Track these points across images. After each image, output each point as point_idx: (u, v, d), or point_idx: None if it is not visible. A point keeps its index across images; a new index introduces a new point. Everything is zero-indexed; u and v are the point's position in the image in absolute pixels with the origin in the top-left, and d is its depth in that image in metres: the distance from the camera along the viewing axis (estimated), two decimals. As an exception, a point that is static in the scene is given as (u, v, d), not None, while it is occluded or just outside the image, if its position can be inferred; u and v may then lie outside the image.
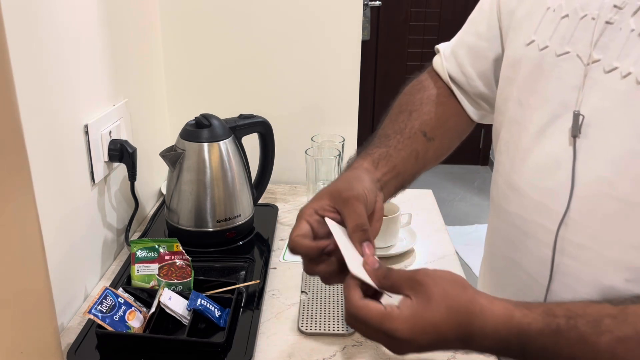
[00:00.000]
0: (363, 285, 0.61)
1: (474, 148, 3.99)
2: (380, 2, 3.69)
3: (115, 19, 1.11)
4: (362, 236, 0.65)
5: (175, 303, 0.87)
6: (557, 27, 0.70)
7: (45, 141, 0.86)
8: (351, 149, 1.40)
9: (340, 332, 0.91)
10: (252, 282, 0.99)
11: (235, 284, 0.96)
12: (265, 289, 1.02)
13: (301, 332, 0.91)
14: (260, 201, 1.28)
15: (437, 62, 0.92)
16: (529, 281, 0.73)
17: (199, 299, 0.88)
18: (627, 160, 0.62)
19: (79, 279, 0.99)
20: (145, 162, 1.26)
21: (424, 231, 1.22)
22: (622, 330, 0.55)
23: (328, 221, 0.67)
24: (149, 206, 1.35)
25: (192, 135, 1.10)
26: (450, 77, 0.89)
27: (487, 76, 0.86)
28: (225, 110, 1.22)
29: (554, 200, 0.68)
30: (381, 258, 0.82)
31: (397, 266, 1.10)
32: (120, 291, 0.89)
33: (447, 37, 0.94)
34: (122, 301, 0.87)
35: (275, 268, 1.10)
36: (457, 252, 1.18)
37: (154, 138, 1.36)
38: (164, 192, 1.24)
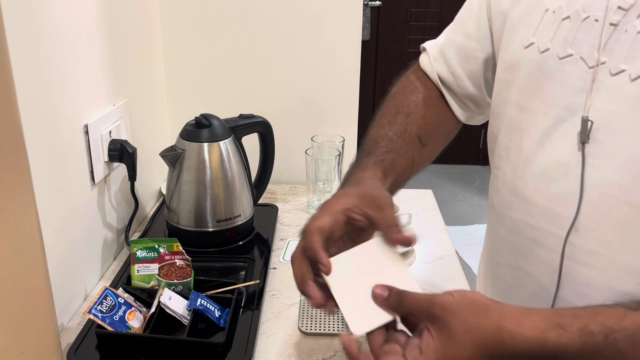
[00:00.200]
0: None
1: (474, 148, 3.99)
2: (380, 2, 3.69)
3: (115, 19, 1.11)
4: (398, 233, 0.64)
5: (175, 303, 0.87)
6: (558, 29, 0.68)
7: (45, 141, 0.86)
8: (351, 149, 1.40)
9: (340, 332, 0.91)
10: (252, 282, 0.99)
11: (235, 284, 0.96)
12: (265, 289, 1.02)
13: (301, 332, 0.91)
14: (260, 201, 1.28)
15: (424, 61, 0.90)
16: (537, 289, 0.72)
17: (199, 299, 0.88)
18: (639, 165, 0.60)
19: (79, 279, 0.99)
20: (145, 162, 1.26)
21: (424, 231, 1.22)
22: None
23: (330, 280, 0.63)
24: (149, 206, 1.35)
25: (192, 135, 1.10)
26: (439, 78, 0.87)
27: (477, 77, 0.85)
28: (225, 110, 1.22)
29: (562, 206, 0.67)
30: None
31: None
32: (120, 291, 0.89)
33: (447, 37, 0.93)
34: (122, 301, 0.87)
35: (275, 268, 1.10)
36: (457, 252, 1.18)
37: (154, 138, 1.36)
38: (164, 192, 1.24)
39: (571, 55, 0.67)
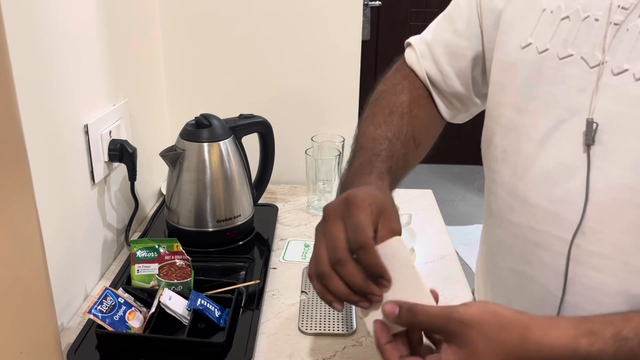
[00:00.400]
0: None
1: (474, 148, 3.97)
2: (380, 2, 3.69)
3: (115, 19, 1.11)
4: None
5: (175, 303, 0.87)
6: (557, 29, 0.68)
7: (45, 141, 0.86)
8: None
9: (340, 332, 0.91)
10: (252, 282, 0.99)
11: (235, 284, 0.96)
12: (265, 289, 1.02)
13: (301, 332, 0.91)
14: (260, 201, 1.28)
15: (411, 58, 0.88)
16: (542, 294, 0.70)
17: (199, 299, 0.88)
18: None
19: (79, 279, 0.99)
20: (145, 162, 1.26)
21: (424, 231, 1.22)
22: None
23: (398, 240, 0.60)
24: (149, 206, 1.35)
25: (192, 135, 1.10)
26: (427, 75, 0.86)
27: (465, 75, 0.84)
28: (225, 110, 1.22)
29: (567, 209, 0.66)
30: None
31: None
32: (120, 291, 0.89)
33: (447, 37, 0.93)
34: (122, 301, 0.87)
35: (275, 268, 1.10)
36: (457, 252, 1.18)
37: (154, 138, 1.36)
38: (164, 192, 1.24)
39: (571, 55, 0.66)
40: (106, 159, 1.06)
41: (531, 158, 0.70)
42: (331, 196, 1.32)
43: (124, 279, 0.97)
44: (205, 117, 1.12)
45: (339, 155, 1.29)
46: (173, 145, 1.12)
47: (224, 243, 1.14)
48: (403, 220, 1.18)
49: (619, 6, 0.62)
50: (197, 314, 0.87)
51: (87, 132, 0.99)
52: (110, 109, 1.09)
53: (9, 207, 0.62)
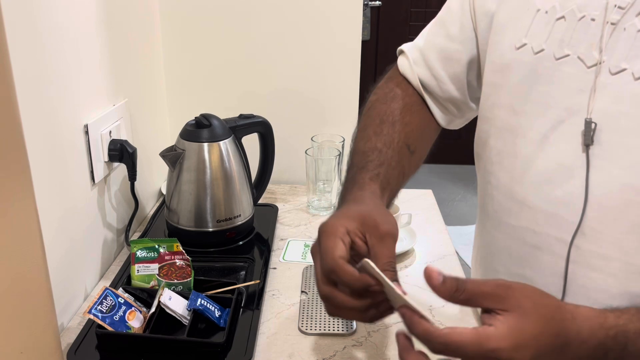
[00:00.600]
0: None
1: (474, 148, 3.99)
2: (380, 2, 3.69)
3: (115, 19, 1.11)
4: (393, 276, 0.59)
5: (175, 303, 0.87)
6: (552, 29, 0.67)
7: (45, 141, 0.86)
8: (351, 149, 1.40)
9: (340, 332, 0.91)
10: (252, 282, 0.99)
11: (235, 284, 0.96)
12: (265, 289, 1.02)
13: (301, 332, 0.91)
14: (260, 201, 1.28)
15: (404, 65, 0.87)
16: None
17: (199, 299, 0.88)
18: None
19: (79, 279, 0.99)
20: (145, 162, 1.26)
21: (424, 231, 1.22)
22: None
23: (368, 261, 0.59)
24: (149, 206, 1.35)
25: (192, 135, 1.10)
26: (421, 82, 0.85)
27: (460, 79, 0.83)
28: (225, 110, 1.22)
29: (567, 210, 0.66)
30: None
31: (397, 266, 1.10)
32: (120, 291, 0.89)
33: (447, 37, 0.93)
34: (122, 301, 0.87)
35: (275, 268, 1.10)
36: (457, 252, 1.18)
37: (154, 138, 1.36)
38: (164, 192, 1.24)
39: (568, 55, 0.66)
40: (106, 159, 1.06)
41: (528, 159, 0.70)
42: (331, 196, 1.32)
43: (124, 279, 0.97)
44: (205, 117, 1.12)
45: (339, 155, 1.29)
46: (173, 145, 1.12)
47: (224, 243, 1.14)
48: (403, 220, 1.19)
49: (615, 5, 0.62)
50: (197, 314, 0.87)
51: (87, 132, 0.99)
52: (110, 109, 1.09)
53: (9, 207, 0.62)
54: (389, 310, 0.60)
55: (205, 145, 1.10)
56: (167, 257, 0.96)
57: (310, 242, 1.19)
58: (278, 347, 0.88)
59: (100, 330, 0.83)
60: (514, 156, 0.72)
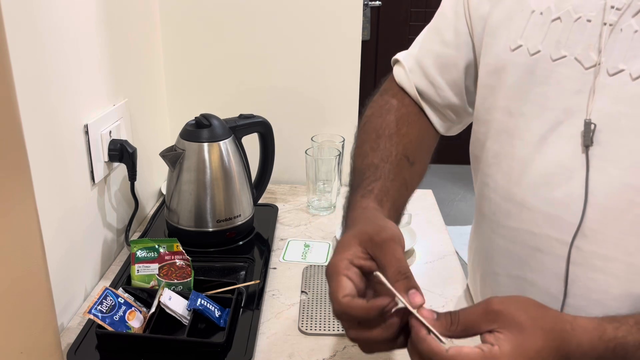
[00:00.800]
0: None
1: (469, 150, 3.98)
2: (380, 2, 3.69)
3: (115, 19, 1.11)
4: (407, 284, 0.56)
5: (175, 303, 0.87)
6: (548, 30, 0.67)
7: (45, 141, 0.86)
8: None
9: (340, 332, 0.91)
10: (252, 282, 0.99)
11: (235, 284, 0.96)
12: (265, 289, 1.02)
13: (301, 332, 0.91)
14: (260, 201, 1.28)
15: (400, 74, 0.86)
16: (543, 298, 0.68)
17: (199, 299, 0.88)
18: None
19: (79, 279, 0.99)
20: (145, 162, 1.26)
21: (424, 231, 1.22)
22: None
23: (377, 274, 0.57)
24: (149, 206, 1.35)
25: (192, 135, 1.10)
26: (418, 90, 0.84)
27: (458, 85, 0.82)
28: (225, 110, 1.22)
29: (566, 211, 0.65)
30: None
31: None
32: (120, 291, 0.89)
33: (447, 37, 0.92)
34: (122, 301, 0.87)
35: (275, 268, 1.10)
36: (457, 252, 1.18)
37: (154, 138, 1.36)
38: (164, 192, 1.24)
39: (565, 56, 0.65)
40: (106, 159, 1.06)
41: (526, 161, 0.69)
42: (331, 196, 1.32)
43: (124, 279, 0.97)
44: (205, 117, 1.12)
45: (339, 155, 1.29)
46: (173, 145, 1.12)
47: (224, 243, 1.14)
48: (403, 220, 1.18)
49: (612, 7, 0.62)
50: (197, 314, 0.87)
51: (87, 132, 0.99)
52: (110, 109, 1.09)
53: (9, 207, 0.62)
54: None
55: (205, 145, 1.10)
56: (167, 257, 0.96)
57: (310, 242, 1.19)
58: (278, 347, 0.88)
59: (100, 330, 0.83)
60: (512, 158, 0.71)
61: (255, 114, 1.21)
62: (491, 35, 0.74)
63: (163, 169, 1.19)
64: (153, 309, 0.85)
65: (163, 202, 1.26)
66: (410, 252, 1.16)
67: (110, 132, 1.07)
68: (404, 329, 0.57)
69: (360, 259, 0.60)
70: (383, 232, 0.60)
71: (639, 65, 0.60)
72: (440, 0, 0.85)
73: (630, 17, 0.61)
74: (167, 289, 0.89)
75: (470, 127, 0.89)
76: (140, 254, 0.96)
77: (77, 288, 0.99)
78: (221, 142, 1.11)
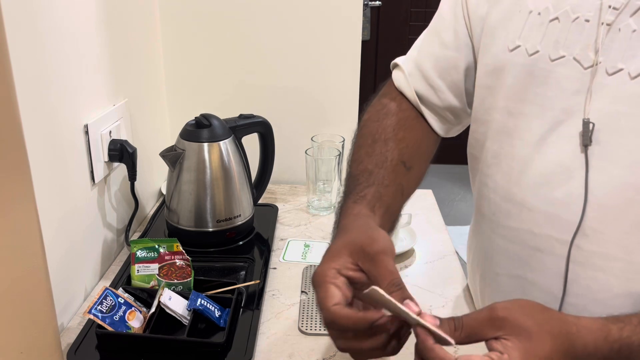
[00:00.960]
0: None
1: (467, 150, 3.98)
2: (380, 2, 3.69)
3: (115, 19, 1.11)
4: (402, 294, 0.56)
5: (175, 303, 0.87)
6: (546, 30, 0.67)
7: (45, 141, 0.86)
8: (351, 149, 1.40)
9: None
10: (252, 282, 0.99)
11: (235, 284, 0.96)
12: (265, 289, 1.02)
13: (301, 332, 0.91)
14: (260, 201, 1.28)
15: (399, 78, 0.85)
16: (544, 297, 0.69)
17: (199, 299, 0.88)
18: None
19: (79, 279, 0.99)
20: (145, 162, 1.26)
21: (424, 231, 1.22)
22: None
23: (375, 288, 0.55)
24: (149, 206, 1.35)
25: (192, 135, 1.10)
26: (417, 94, 0.83)
27: (458, 87, 0.81)
28: (225, 110, 1.22)
29: (566, 210, 0.65)
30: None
31: (397, 266, 1.10)
32: (120, 291, 0.89)
33: (447, 37, 0.92)
34: (122, 301, 0.87)
35: (275, 268, 1.10)
36: (457, 252, 1.18)
37: (154, 138, 1.36)
38: (164, 192, 1.24)
39: (563, 56, 0.66)
40: (106, 159, 1.06)
41: (526, 161, 0.69)
42: (331, 196, 1.32)
43: (124, 279, 0.97)
44: (205, 117, 1.12)
45: (339, 155, 1.29)
46: (173, 145, 1.12)
47: (224, 243, 1.14)
48: (403, 220, 1.19)
49: (609, 6, 0.62)
50: (197, 314, 0.87)
51: (87, 132, 0.99)
52: (110, 109, 1.09)
53: (9, 207, 0.62)
54: (408, 334, 0.58)
55: (205, 145, 1.10)
56: (167, 257, 0.96)
57: (310, 242, 1.19)
58: (278, 347, 0.88)
59: (100, 330, 0.83)
60: (511, 158, 0.71)
61: (255, 114, 1.21)
62: (489, 36, 0.74)
63: (163, 169, 1.19)
64: (153, 309, 0.85)
65: (163, 202, 1.26)
66: (410, 252, 1.16)
67: (110, 132, 1.07)
68: (394, 336, 0.57)
69: (349, 270, 0.60)
70: (375, 244, 0.59)
71: (638, 65, 0.60)
72: (439, 1, 0.85)
73: (628, 17, 0.61)
74: (167, 289, 0.89)
75: (469, 127, 0.89)
76: (140, 254, 0.96)
77: (77, 288, 0.99)
78: (221, 142, 1.11)
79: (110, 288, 0.88)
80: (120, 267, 1.07)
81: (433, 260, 1.14)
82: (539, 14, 0.68)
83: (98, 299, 0.84)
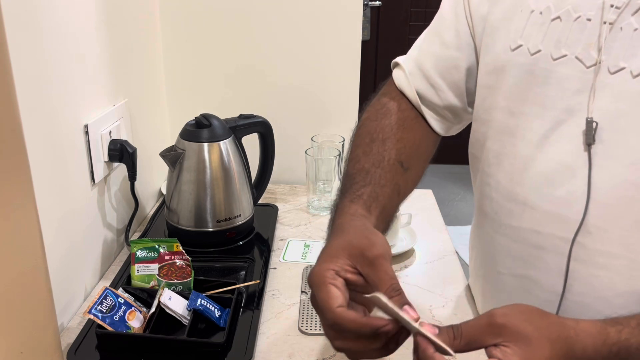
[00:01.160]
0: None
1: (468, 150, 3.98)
2: (380, 2, 3.69)
3: (115, 19, 1.11)
4: (400, 300, 0.56)
5: (175, 303, 0.87)
6: (548, 30, 0.67)
7: (45, 141, 0.86)
8: (351, 149, 1.40)
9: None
10: (252, 282, 0.99)
11: (235, 284, 0.96)
12: (265, 289, 1.02)
13: (301, 332, 0.91)
14: (260, 201, 1.28)
15: (400, 78, 0.85)
16: (546, 295, 0.70)
17: (199, 299, 0.88)
18: None
19: (79, 279, 0.99)
20: (145, 162, 1.26)
21: (424, 231, 1.22)
22: None
23: (379, 295, 0.55)
24: (149, 206, 1.35)
25: (192, 135, 1.10)
26: (418, 93, 0.82)
27: (459, 86, 0.81)
28: (225, 110, 1.22)
29: (569, 209, 0.65)
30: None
31: (397, 266, 1.10)
32: (120, 291, 0.89)
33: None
34: (122, 301, 0.87)
35: (275, 268, 1.10)
36: (457, 252, 1.18)
37: (154, 138, 1.36)
38: (164, 192, 1.24)
39: (565, 55, 0.66)
40: (106, 159, 1.06)
41: (528, 160, 0.70)
42: (331, 196, 1.32)
43: (124, 279, 0.97)
44: (205, 117, 1.12)
45: (339, 155, 1.29)
46: (173, 145, 1.12)
47: (224, 243, 1.14)
48: (403, 220, 1.19)
49: (611, 5, 0.63)
50: (197, 314, 0.87)
51: (87, 132, 0.99)
52: (110, 109, 1.09)
53: (9, 207, 0.62)
54: (406, 336, 0.58)
55: (205, 145, 1.10)
56: (167, 257, 0.96)
57: (310, 242, 1.19)
58: (278, 347, 0.88)
59: (100, 330, 0.83)
60: (513, 157, 0.71)
61: (255, 114, 1.21)
62: (490, 35, 0.74)
63: (163, 169, 1.19)
64: (153, 309, 0.85)
65: (163, 202, 1.26)
66: (410, 252, 1.16)
67: (110, 132, 1.07)
68: (393, 339, 0.57)
69: (347, 272, 0.59)
70: (374, 248, 0.59)
71: (639, 63, 0.60)
72: (439, 1, 0.85)
73: (630, 16, 0.61)
74: (167, 289, 0.89)
75: (469, 126, 0.89)
76: (140, 254, 0.96)
77: (77, 288, 0.99)
78: (221, 142, 1.11)
79: (110, 288, 0.88)
80: (120, 267, 1.07)
81: (433, 260, 1.14)
82: (541, 13, 0.68)
83: (98, 299, 0.84)
